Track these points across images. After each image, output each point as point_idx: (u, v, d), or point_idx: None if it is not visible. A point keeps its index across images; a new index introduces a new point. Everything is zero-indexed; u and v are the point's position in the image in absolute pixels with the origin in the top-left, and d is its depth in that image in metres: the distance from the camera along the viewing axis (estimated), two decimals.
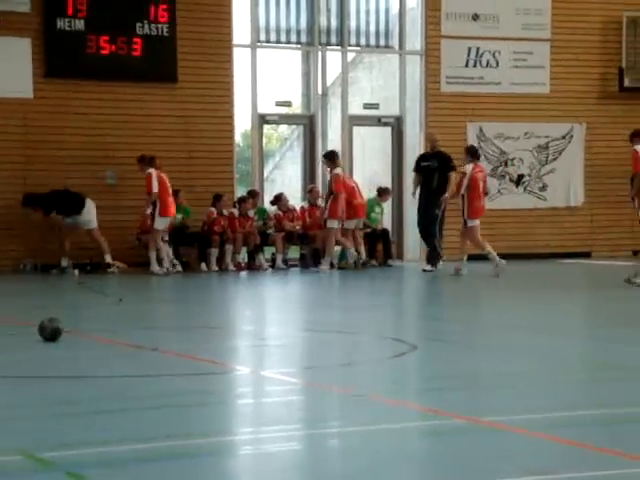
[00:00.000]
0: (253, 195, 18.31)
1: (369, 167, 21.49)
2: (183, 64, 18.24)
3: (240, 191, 19.65)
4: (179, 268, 17.04)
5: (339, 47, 19.83)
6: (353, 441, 4.74)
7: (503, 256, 15.77)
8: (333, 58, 19.94)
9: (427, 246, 17.23)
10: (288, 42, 19.49)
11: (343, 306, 11.90)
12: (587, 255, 20.52)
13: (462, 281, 15.19)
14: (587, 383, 6.49)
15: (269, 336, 9.14)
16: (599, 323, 10.23)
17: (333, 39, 19.72)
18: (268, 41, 19.27)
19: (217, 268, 17.30)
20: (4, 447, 4.54)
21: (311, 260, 18.12)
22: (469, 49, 19.98)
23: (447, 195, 16.70)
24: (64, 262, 16.91)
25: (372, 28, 19.89)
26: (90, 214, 16.94)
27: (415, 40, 20.12)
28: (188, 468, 4.24)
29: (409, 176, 18.52)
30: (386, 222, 19.53)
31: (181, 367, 7.02)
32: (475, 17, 19.98)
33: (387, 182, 20.13)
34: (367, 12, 19.87)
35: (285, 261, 18.14)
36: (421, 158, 17.67)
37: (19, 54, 17.33)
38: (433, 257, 16.84)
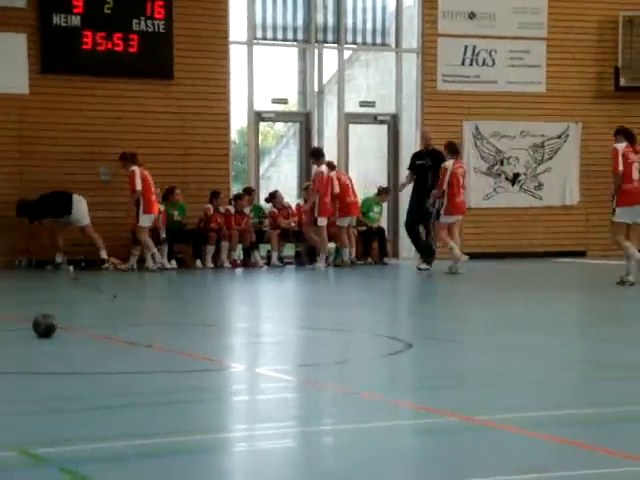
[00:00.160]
0: (249, 192, 18.32)
1: (364, 165, 21.50)
2: (179, 61, 18.23)
3: (236, 188, 19.66)
4: (174, 265, 17.06)
5: (335, 45, 19.82)
6: (347, 438, 4.76)
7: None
8: (329, 56, 19.93)
9: (412, 243, 17.33)
10: (284, 39, 19.47)
11: (338, 304, 11.90)
12: (582, 254, 20.53)
13: (457, 280, 15.21)
14: (579, 382, 6.51)
15: (264, 333, 9.14)
16: (593, 322, 10.24)
17: (330, 37, 19.70)
18: (264, 38, 19.25)
19: (212, 265, 17.32)
20: None
21: (306, 257, 18.15)
22: (465, 47, 19.99)
23: (437, 191, 16.72)
24: (59, 258, 16.89)
25: (369, 26, 19.89)
26: (79, 212, 16.84)
27: (411, 38, 20.12)
28: (183, 465, 4.25)
29: (405, 174, 18.52)
30: (382, 220, 19.53)
31: (176, 364, 7.02)
32: (472, 15, 19.99)
33: (383, 180, 20.14)
34: (364, 10, 19.86)
35: (280, 258, 18.15)
36: (416, 156, 17.67)
37: (15, 50, 17.30)
38: (428, 255, 16.86)
